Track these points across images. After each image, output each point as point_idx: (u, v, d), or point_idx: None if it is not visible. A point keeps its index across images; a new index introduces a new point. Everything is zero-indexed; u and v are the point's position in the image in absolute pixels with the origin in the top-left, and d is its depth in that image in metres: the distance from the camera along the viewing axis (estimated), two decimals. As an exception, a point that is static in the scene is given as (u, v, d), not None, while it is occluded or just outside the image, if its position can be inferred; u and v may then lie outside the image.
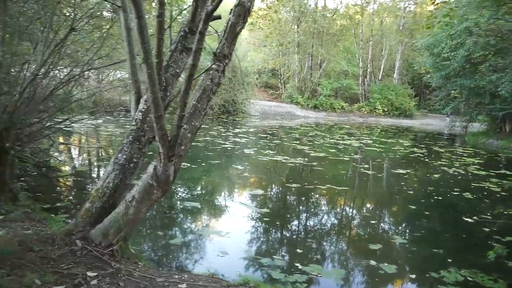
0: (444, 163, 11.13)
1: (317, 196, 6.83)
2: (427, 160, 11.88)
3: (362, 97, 32.34)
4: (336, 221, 5.73)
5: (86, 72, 6.26)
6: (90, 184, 6.24)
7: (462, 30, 16.23)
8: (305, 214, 5.88)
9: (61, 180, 6.39)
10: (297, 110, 29.58)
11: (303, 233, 5.05)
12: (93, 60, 5.47)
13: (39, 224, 3.70)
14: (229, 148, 11.00)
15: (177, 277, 3.17)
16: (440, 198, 6.96)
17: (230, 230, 4.74)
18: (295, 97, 30.53)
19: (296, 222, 5.49)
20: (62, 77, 5.61)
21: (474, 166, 10.71)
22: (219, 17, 4.81)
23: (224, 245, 4.29)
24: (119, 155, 3.70)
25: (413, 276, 4.05)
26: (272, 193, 6.91)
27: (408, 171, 9.56)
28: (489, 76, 16.04)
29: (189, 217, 5.25)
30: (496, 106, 16.47)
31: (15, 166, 4.71)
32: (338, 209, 6.32)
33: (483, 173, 9.71)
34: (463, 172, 9.75)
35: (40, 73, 4.33)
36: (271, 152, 11.14)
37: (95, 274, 2.66)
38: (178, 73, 4.19)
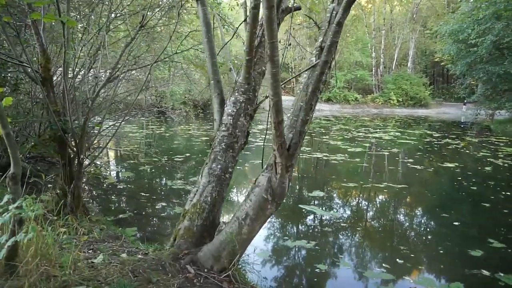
0: (487, 154, 10.68)
1: (381, 196, 6.44)
2: (467, 151, 11.44)
3: (376, 88, 31.80)
4: (416, 224, 5.32)
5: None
6: (142, 192, 5.86)
7: (490, 14, 15.66)
8: (382, 218, 5.49)
9: (108, 187, 6.03)
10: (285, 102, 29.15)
11: (390, 239, 4.66)
12: (132, 60, 5.04)
13: (126, 244, 3.34)
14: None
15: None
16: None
17: (315, 240, 4.36)
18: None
19: (378, 227, 5.09)
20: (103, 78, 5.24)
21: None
22: (299, 8, 4.36)
23: (316, 259, 3.92)
24: (213, 165, 3.32)
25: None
26: (334, 194, 6.51)
27: (456, 164, 9.12)
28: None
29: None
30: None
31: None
32: (412, 210, 5.90)
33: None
34: (512, 163, 9.32)
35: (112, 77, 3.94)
36: (307, 148, 10.75)
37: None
38: (264, 70, 3.80)
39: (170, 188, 6.21)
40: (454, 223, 5.13)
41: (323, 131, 15.35)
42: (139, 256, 2.84)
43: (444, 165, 9.02)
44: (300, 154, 9.53)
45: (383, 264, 3.86)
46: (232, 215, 2.93)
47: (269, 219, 2.93)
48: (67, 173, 3.85)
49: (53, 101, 3.83)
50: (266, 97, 4.13)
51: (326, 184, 7.12)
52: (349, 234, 4.71)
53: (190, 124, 16.54)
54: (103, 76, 5.38)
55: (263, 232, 4.65)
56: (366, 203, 6.18)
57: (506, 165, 9.08)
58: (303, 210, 5.37)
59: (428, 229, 5.15)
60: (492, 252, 4.23)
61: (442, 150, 11.54)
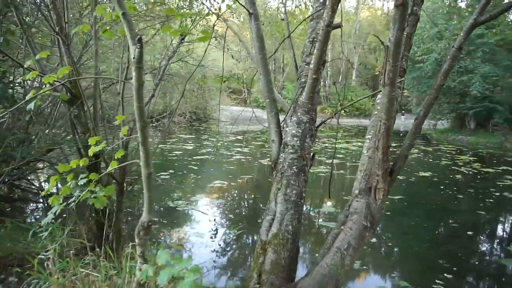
0: (448, 162, 11.60)
1: (391, 210, 6.57)
2: (430, 160, 12.32)
3: (325, 99, 33.23)
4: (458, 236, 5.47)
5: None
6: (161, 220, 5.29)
7: (434, 34, 17.26)
8: (397, 231, 5.59)
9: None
10: (264, 114, 29.42)
11: (434, 259, 4.70)
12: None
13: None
14: (243, 160, 10.39)
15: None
16: None
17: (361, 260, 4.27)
18: (261, 101, 30.40)
19: (414, 247, 5.16)
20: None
21: (476, 164, 11.29)
22: (339, 26, 4.33)
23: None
24: (288, 191, 3.07)
25: None
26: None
27: (430, 173, 9.74)
28: (459, 77, 17.24)
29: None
30: (466, 104, 17.75)
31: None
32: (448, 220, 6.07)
33: (491, 170, 10.26)
34: (475, 171, 10.20)
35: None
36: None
37: None
38: (319, 89, 3.67)
39: (175, 210, 5.72)
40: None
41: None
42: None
43: (421, 174, 9.58)
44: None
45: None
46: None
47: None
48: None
49: (84, 122, 3.30)
50: (331, 117, 3.96)
51: (334, 197, 7.13)
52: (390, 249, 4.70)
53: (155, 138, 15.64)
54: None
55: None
56: (392, 222, 6.26)
57: (471, 172, 9.92)
58: (327, 227, 5.27)
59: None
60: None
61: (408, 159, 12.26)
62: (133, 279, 1.90)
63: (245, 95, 32.30)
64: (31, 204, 5.44)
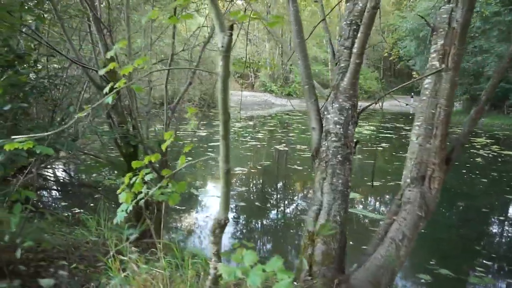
0: (466, 145, 11.43)
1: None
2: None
3: (333, 82, 32.87)
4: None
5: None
6: (177, 215, 5.27)
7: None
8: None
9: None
10: (273, 98, 29.23)
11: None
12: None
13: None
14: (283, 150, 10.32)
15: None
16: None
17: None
18: (268, 86, 30.13)
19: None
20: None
21: (495, 146, 11.13)
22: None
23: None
24: (334, 180, 2.99)
25: None
26: (368, 196, 6.45)
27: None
28: (473, 57, 16.85)
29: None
30: (480, 86, 17.41)
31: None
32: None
33: (511, 153, 10.12)
34: (494, 153, 10.05)
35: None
36: (303, 146, 10.66)
37: None
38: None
39: (197, 198, 5.71)
40: None
41: (303, 127, 15.41)
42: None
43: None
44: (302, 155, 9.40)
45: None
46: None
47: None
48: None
49: (121, 112, 3.22)
50: (374, 102, 3.84)
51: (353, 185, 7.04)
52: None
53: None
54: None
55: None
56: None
57: (491, 155, 9.78)
58: (359, 215, 5.23)
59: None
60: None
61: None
62: (205, 278, 1.86)
63: (251, 79, 31.98)
64: (44, 192, 5.40)
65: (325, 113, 3.35)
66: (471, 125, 2.58)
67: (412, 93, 32.79)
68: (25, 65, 2.90)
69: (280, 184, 7.15)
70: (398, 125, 17.18)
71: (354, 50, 3.27)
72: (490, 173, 7.91)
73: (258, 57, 31.39)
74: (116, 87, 1.45)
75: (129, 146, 3.09)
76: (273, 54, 30.54)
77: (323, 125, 3.32)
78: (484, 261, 3.90)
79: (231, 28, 1.25)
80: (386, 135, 13.75)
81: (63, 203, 5.06)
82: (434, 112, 2.73)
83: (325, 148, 3.22)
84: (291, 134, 13.53)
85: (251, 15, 1.40)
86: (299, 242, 4.30)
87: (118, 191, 1.60)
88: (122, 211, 1.69)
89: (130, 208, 1.65)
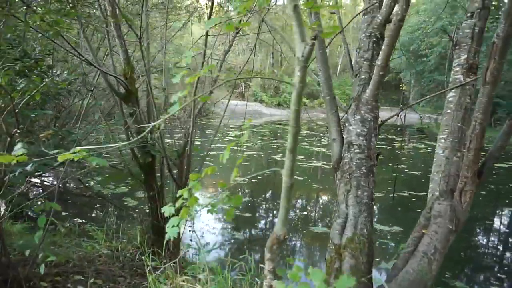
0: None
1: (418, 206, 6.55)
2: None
3: (322, 93, 33.23)
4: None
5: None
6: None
7: (437, 29, 17.25)
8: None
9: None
10: (263, 108, 29.31)
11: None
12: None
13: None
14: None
15: None
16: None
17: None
18: (259, 95, 30.23)
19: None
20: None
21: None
22: (390, 21, 4.19)
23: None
24: (359, 192, 2.95)
25: None
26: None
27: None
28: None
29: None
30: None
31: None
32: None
33: (503, 165, 10.33)
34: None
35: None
36: (300, 157, 10.65)
37: None
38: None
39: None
40: None
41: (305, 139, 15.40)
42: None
43: (434, 169, 9.58)
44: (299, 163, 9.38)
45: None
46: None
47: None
48: (159, 209, 3.15)
49: (140, 120, 3.13)
50: (396, 114, 3.83)
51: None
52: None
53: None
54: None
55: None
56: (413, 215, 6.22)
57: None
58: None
59: None
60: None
61: (419, 154, 12.31)
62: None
63: (242, 89, 32.03)
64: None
65: (346, 124, 3.32)
66: (504, 140, 2.58)
67: (400, 105, 33.37)
68: (39, 70, 2.80)
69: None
70: (389, 136, 17.42)
71: (378, 63, 3.25)
72: (487, 186, 8.04)
73: (247, 66, 31.53)
74: (182, 97, 1.38)
75: (148, 155, 2.99)
76: (263, 64, 30.75)
77: (344, 136, 3.29)
78: (499, 275, 3.92)
79: (315, 38, 1.20)
80: (378, 146, 13.88)
81: (63, 213, 4.89)
82: (460, 126, 2.74)
83: (348, 160, 3.18)
84: (285, 144, 13.53)
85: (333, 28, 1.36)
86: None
87: (188, 202, 1.51)
88: (174, 226, 1.60)
89: (183, 222, 1.56)
